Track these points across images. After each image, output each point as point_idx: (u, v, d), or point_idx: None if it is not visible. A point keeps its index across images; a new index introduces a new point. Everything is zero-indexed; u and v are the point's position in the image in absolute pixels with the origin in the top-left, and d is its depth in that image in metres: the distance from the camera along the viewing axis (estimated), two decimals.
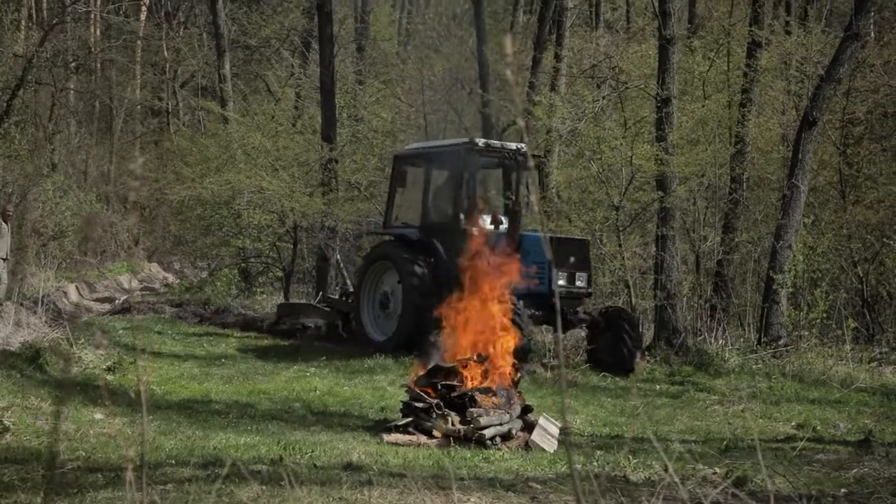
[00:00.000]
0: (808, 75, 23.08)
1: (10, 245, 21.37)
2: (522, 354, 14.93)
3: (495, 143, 18.01)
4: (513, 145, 17.74)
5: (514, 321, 14.38)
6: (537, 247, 16.21)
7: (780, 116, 24.53)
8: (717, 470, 9.29)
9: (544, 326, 17.26)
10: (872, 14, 22.28)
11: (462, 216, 17.02)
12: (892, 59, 22.41)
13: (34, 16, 42.46)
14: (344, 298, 19.84)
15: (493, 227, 17.06)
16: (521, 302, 15.35)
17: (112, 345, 17.00)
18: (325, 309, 20.15)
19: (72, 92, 43.31)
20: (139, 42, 47.04)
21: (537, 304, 16.11)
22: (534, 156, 18.29)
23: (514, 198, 17.30)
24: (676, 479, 5.90)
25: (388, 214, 18.63)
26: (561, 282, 16.33)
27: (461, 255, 13.58)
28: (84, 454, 9.40)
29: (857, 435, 11.98)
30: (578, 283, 16.54)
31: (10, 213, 22.86)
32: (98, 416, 11.26)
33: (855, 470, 9.82)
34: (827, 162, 23.11)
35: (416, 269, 16.89)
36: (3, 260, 21.06)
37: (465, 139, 17.83)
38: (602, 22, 33.62)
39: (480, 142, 17.40)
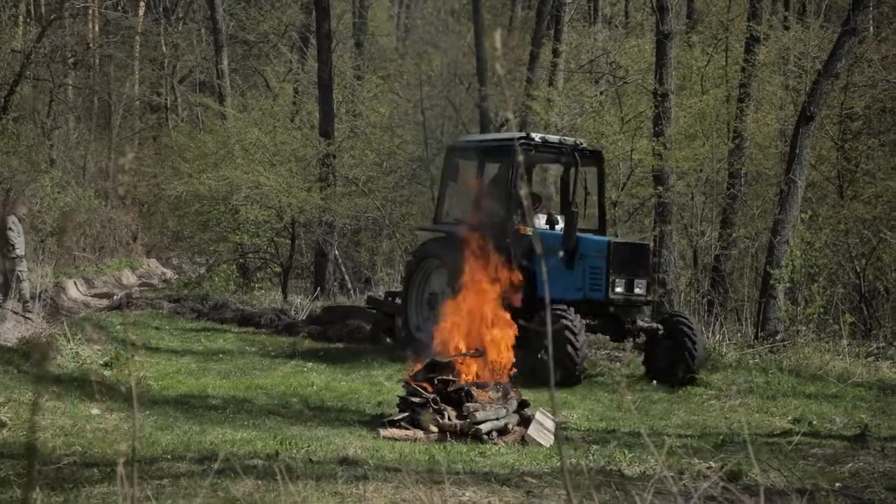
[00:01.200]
0: (806, 70, 23.07)
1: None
2: (571, 377, 14.32)
3: (552, 137, 16.81)
4: (571, 140, 16.79)
5: (566, 333, 14.06)
6: (595, 250, 15.40)
7: (777, 111, 24.52)
8: (713, 464, 9.30)
9: (600, 337, 16.48)
10: (871, 9, 22.26)
11: (514, 215, 16.06)
12: (890, 55, 22.40)
13: (32, 11, 42.40)
14: (389, 299, 18.79)
15: (547, 227, 16.38)
16: (573, 310, 14.60)
17: (109, 340, 17.01)
18: (371, 311, 19.21)
19: (70, 88, 43.27)
20: (137, 37, 47.01)
21: (593, 313, 15.29)
22: (593, 152, 17.15)
23: (571, 197, 16.54)
24: (669, 474, 5.91)
25: (438, 209, 17.61)
26: (619, 289, 15.23)
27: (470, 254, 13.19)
28: (80, 449, 9.40)
29: (853, 429, 11.99)
30: (637, 291, 15.46)
31: (24, 213, 22.96)
32: (94, 411, 11.26)
33: (850, 464, 9.83)
34: (825, 157, 23.11)
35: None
36: (22, 258, 21.16)
37: (521, 133, 16.81)
38: (600, 17, 33.63)
39: (536, 136, 16.33)
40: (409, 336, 17.04)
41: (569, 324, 14.21)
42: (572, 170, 16.73)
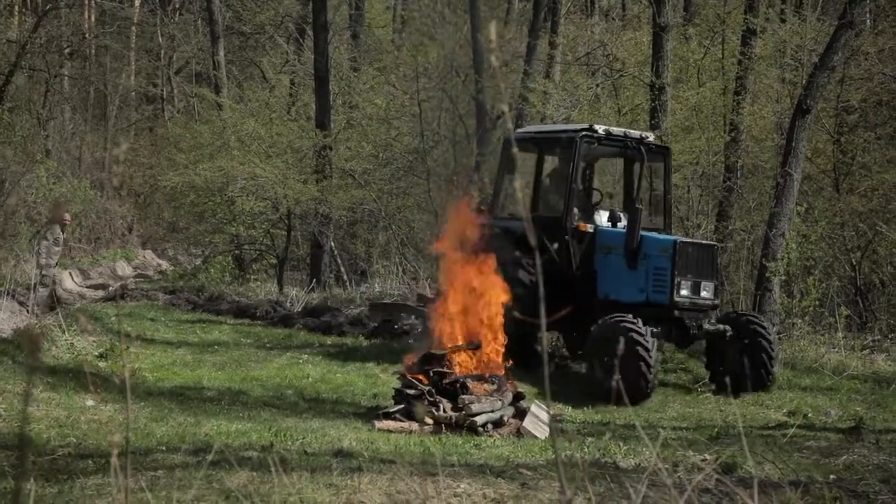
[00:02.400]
0: (803, 63, 23.04)
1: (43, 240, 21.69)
2: (641, 393, 13.11)
3: (616, 130, 15.86)
4: (636, 133, 15.86)
5: (638, 350, 12.99)
6: (660, 249, 14.41)
7: (774, 104, 24.51)
8: (707, 457, 9.31)
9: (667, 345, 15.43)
10: (867, 2, 22.22)
11: (575, 211, 15.19)
12: (886, 48, 22.39)
13: (28, 1, 42.32)
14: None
15: (609, 224, 15.50)
16: (640, 321, 13.48)
17: (104, 331, 17.00)
18: (420, 308, 18.08)
19: (66, 78, 43.18)
20: (133, 28, 46.92)
21: (655, 317, 14.13)
22: (659, 145, 16.18)
23: (636, 193, 15.66)
24: (663, 466, 5.91)
25: (494, 202, 16.43)
26: (684, 291, 14.16)
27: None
28: (74, 440, 9.41)
29: (848, 422, 12.02)
30: (703, 294, 14.40)
31: (68, 222, 23.14)
32: (89, 402, 11.27)
33: (844, 457, 9.86)
34: (821, 150, 23.11)
35: (523, 274, 14.70)
36: (54, 266, 21.58)
37: (584, 125, 15.78)
38: (597, 9, 33.60)
39: (600, 128, 15.38)
40: None
41: (640, 339, 13.12)
42: (636, 165, 15.96)
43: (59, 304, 20.78)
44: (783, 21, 25.81)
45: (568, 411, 12.77)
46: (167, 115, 43.66)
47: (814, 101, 18.96)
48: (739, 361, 13.99)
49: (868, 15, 24.97)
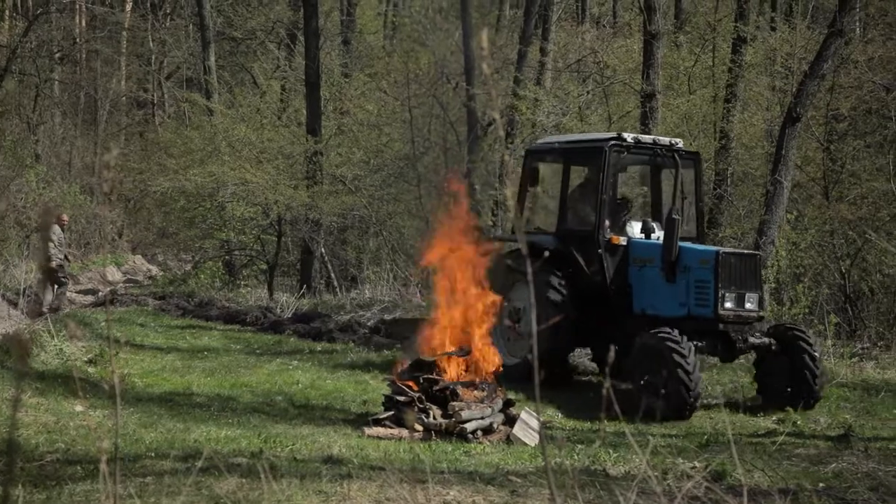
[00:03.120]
0: (793, 71, 23.12)
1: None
2: (683, 408, 12.45)
3: (645, 138, 15.36)
4: (666, 140, 15.24)
5: (674, 357, 12.48)
6: (700, 261, 13.67)
7: (764, 112, 24.60)
8: (697, 464, 9.32)
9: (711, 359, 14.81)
10: (857, 11, 22.34)
11: (605, 223, 14.50)
12: (875, 56, 22.46)
13: (18, 5, 42.27)
14: None
15: (643, 236, 14.78)
16: (677, 332, 12.87)
17: (93, 337, 16.96)
18: None
19: (56, 83, 43.15)
20: (124, 33, 46.86)
21: (699, 331, 13.43)
22: (689, 151, 15.68)
23: (672, 202, 14.90)
24: (653, 473, 5.91)
25: (518, 216, 15.45)
26: (729, 304, 13.45)
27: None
28: (63, 446, 9.38)
29: (837, 430, 12.03)
30: (748, 305, 13.63)
31: (66, 221, 23.55)
32: (78, 408, 11.23)
33: (833, 465, 9.87)
34: (810, 158, 23.17)
35: (553, 286, 14.16)
36: (61, 266, 22.33)
37: (611, 133, 15.33)
38: (588, 16, 33.66)
39: (628, 136, 14.83)
40: None
41: (675, 346, 12.55)
42: (667, 172, 15.41)
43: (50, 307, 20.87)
44: (773, 29, 25.92)
45: (558, 418, 12.77)
46: (158, 121, 43.62)
47: (803, 109, 19.03)
48: (784, 378, 13.34)
49: (858, 23, 25.09)
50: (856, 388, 15.01)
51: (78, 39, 44.56)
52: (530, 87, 25.17)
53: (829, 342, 17.07)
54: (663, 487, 6.14)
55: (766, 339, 13.79)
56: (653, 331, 12.99)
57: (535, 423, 11.37)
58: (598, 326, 14.26)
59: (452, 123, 28.16)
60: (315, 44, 28.93)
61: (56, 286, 22.14)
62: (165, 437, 10.08)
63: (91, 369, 14.20)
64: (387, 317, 20.46)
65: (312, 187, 27.49)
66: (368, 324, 20.09)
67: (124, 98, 47.84)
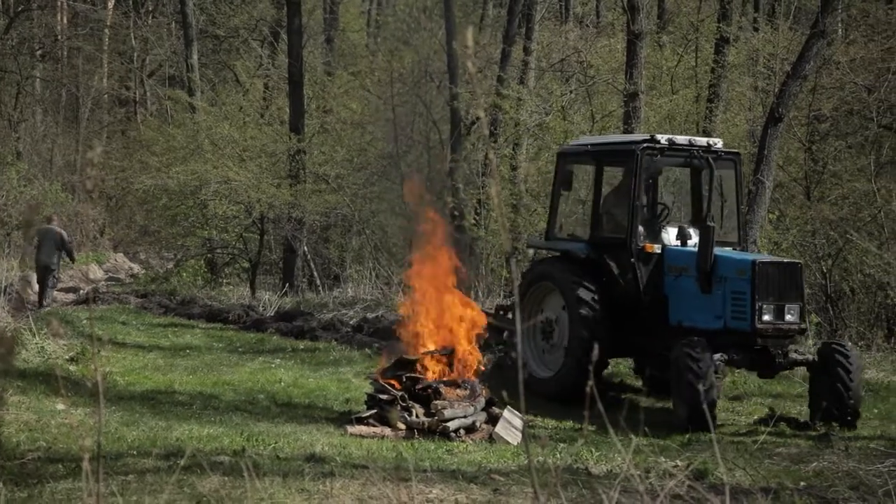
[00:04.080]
0: (775, 72, 23.19)
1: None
2: (695, 417, 11.66)
3: (681, 138, 14.39)
4: (702, 140, 14.38)
5: (687, 361, 11.94)
6: (737, 271, 12.91)
7: (746, 112, 24.66)
8: (679, 463, 9.36)
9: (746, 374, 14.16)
10: (839, 12, 22.43)
11: (639, 230, 13.75)
12: (857, 57, 22.55)
13: (0, 3, 42.06)
14: (501, 313, 15.69)
15: (678, 243, 13.92)
16: (698, 340, 12.30)
17: (75, 335, 16.90)
18: (506, 324, 15.91)
19: (38, 80, 42.95)
20: (106, 30, 46.64)
21: (736, 345, 12.77)
22: (728, 151, 14.71)
23: (706, 208, 13.95)
24: (635, 472, 5.93)
25: (551, 224, 15.04)
26: (767, 316, 12.64)
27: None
28: (45, 444, 9.36)
29: (818, 429, 12.10)
30: (788, 317, 12.79)
31: (54, 220, 23.77)
32: (59, 406, 11.20)
33: (814, 463, 9.93)
34: (792, 158, 23.25)
35: (586, 295, 13.51)
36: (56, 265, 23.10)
37: (645, 135, 14.55)
38: (571, 16, 33.72)
39: (663, 138, 13.99)
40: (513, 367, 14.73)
41: (689, 350, 12.04)
42: (705, 174, 14.37)
43: (27, 306, 20.87)
44: (756, 30, 26.00)
45: (541, 417, 12.78)
46: (140, 118, 43.46)
47: (786, 109, 19.09)
48: (824, 394, 12.54)
49: (840, 25, 25.18)
50: None
51: (60, 36, 44.36)
52: (514, 87, 25.19)
53: (811, 342, 17.14)
54: (646, 486, 6.17)
55: (808, 356, 13.11)
56: (681, 342, 12.37)
57: (517, 422, 11.39)
58: (636, 339, 13.57)
59: (436, 122, 28.16)
60: (298, 42, 28.90)
61: (49, 285, 22.89)
62: (147, 436, 10.06)
63: (73, 367, 14.15)
64: (369, 315, 20.48)
65: (295, 186, 27.46)
66: (351, 322, 20.09)
67: (106, 95, 47.64)
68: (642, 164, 13.63)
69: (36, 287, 23.18)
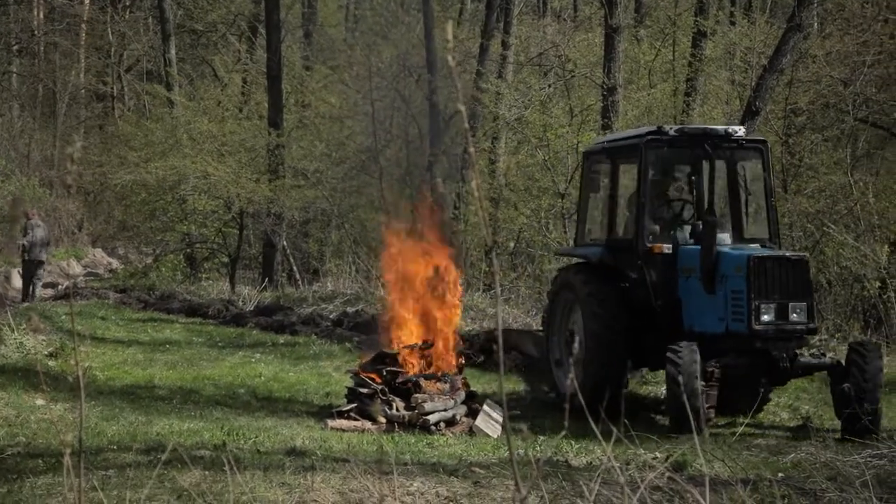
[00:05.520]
0: (752, 66, 23.29)
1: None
2: (679, 422, 11.05)
3: (694, 128, 13.34)
4: (721, 129, 12.98)
5: (669, 368, 11.29)
6: (735, 268, 11.87)
7: (724, 106, 24.77)
8: (659, 455, 9.41)
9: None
10: (815, 6, 22.53)
11: (645, 229, 12.66)
12: (833, 51, 22.66)
13: None
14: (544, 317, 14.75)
15: (692, 242, 12.66)
16: (685, 350, 11.32)
17: (54, 330, 16.86)
18: (540, 334, 15.07)
19: (14, 75, 42.71)
20: (83, 25, 46.43)
21: (737, 350, 11.88)
22: (752, 139, 13.43)
23: (708, 199, 12.77)
24: (615, 464, 5.98)
25: (579, 229, 14.13)
26: (766, 317, 11.63)
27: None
28: (24, 440, 9.34)
29: (796, 421, 12.19)
30: (794, 317, 11.77)
31: (33, 216, 23.93)
32: (39, 401, 11.18)
33: (792, 455, 10.01)
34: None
35: (597, 308, 12.53)
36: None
37: (651, 127, 13.44)
38: (549, 10, 33.77)
39: (671, 129, 12.83)
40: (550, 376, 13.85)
41: (672, 356, 11.23)
42: (720, 166, 13.22)
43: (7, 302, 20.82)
44: (733, 24, 26.12)
45: (521, 410, 12.83)
46: (117, 114, 43.27)
47: (763, 102, 19.21)
48: (843, 398, 11.54)
49: (815, 18, 25.30)
50: (813, 379, 15.13)
51: (36, 32, 44.12)
52: (492, 81, 25.24)
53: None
54: (626, 478, 6.21)
55: (824, 359, 12.30)
56: (668, 347, 11.54)
57: (497, 415, 11.43)
58: (653, 347, 12.26)
59: (414, 116, 28.18)
60: (276, 36, 28.86)
61: (34, 279, 23.11)
62: (128, 430, 10.06)
63: (52, 363, 14.12)
64: (349, 309, 20.51)
65: (274, 180, 27.44)
66: (331, 316, 20.11)
67: (83, 91, 47.42)
68: (647, 158, 12.61)
69: (16, 283, 23.19)
